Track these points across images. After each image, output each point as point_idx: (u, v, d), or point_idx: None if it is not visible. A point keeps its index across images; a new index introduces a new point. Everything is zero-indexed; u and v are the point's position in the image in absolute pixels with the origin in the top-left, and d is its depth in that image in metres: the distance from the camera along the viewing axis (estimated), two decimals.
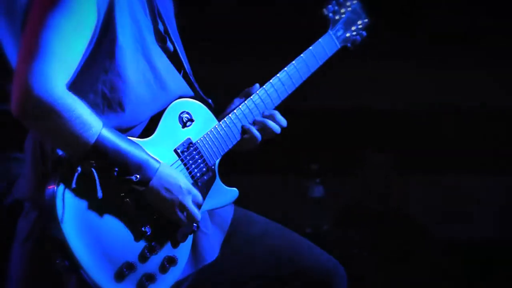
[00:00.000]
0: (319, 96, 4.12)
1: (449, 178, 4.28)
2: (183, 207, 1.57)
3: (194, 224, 1.61)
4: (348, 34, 1.98)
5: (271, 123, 1.77)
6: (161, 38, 1.68)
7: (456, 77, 4.21)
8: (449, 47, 4.17)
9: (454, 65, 4.15)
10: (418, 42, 4.15)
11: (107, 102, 1.57)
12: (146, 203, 1.56)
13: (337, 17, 1.97)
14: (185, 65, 1.71)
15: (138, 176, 1.50)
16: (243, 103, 1.76)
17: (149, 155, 1.51)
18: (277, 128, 1.79)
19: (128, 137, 1.54)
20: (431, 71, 4.14)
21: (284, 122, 1.82)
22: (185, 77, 1.72)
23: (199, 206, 1.61)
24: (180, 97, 1.66)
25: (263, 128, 1.78)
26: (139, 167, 1.52)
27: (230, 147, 1.75)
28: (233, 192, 1.76)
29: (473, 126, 4.34)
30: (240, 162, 3.61)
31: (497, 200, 4.29)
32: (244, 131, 1.76)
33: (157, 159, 1.53)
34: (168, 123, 1.63)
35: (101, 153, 1.47)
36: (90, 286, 1.54)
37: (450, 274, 3.94)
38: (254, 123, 1.77)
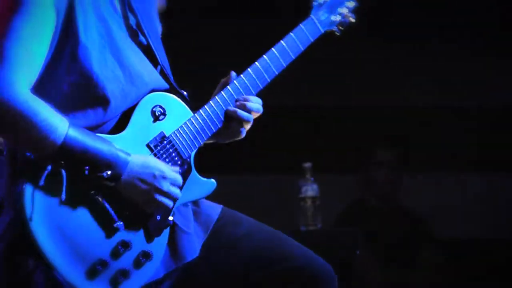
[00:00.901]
0: (329, 94, 4.24)
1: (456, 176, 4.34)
2: (160, 192, 1.58)
3: (169, 219, 1.63)
4: (333, 18, 1.92)
5: (242, 113, 1.77)
6: (133, 33, 1.70)
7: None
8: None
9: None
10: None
11: (74, 103, 1.59)
12: (118, 199, 1.59)
13: (321, 0, 1.93)
14: (159, 58, 1.73)
15: (109, 172, 1.53)
16: (219, 93, 1.77)
17: (118, 149, 1.55)
18: (248, 116, 1.76)
19: (98, 134, 1.58)
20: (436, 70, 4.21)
21: (258, 107, 1.80)
22: (161, 71, 1.75)
23: (180, 187, 1.64)
24: (153, 90, 1.68)
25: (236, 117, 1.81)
26: (109, 163, 1.55)
27: (206, 138, 1.77)
28: (210, 183, 1.76)
29: (480, 124, 4.37)
30: (246, 162, 3.82)
31: (505, 198, 4.31)
32: (230, 116, 1.78)
33: (127, 152, 1.57)
34: (140, 117, 1.67)
35: (69, 153, 1.51)
36: (63, 286, 1.59)
37: (454, 273, 3.98)
38: (226, 112, 1.80)
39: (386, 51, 4.34)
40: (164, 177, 1.62)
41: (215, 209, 1.78)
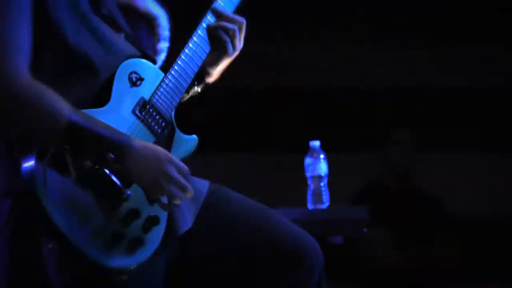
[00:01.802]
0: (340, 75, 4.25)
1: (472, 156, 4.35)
2: (169, 178, 1.60)
3: None
4: None
5: (224, 23, 1.81)
6: (94, 4, 1.71)
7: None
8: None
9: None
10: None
11: (60, 80, 1.62)
12: (123, 171, 1.63)
13: None
14: (122, 25, 1.76)
15: (113, 155, 1.56)
16: (183, 51, 1.81)
17: (120, 133, 1.61)
18: (232, 26, 1.81)
19: (87, 110, 1.63)
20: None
21: (239, 18, 1.84)
22: (127, 37, 1.77)
23: (185, 176, 1.64)
24: (127, 58, 1.73)
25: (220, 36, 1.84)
26: (113, 146, 1.58)
27: (181, 95, 1.82)
28: (193, 139, 1.81)
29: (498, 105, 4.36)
30: (258, 140, 3.89)
31: None
32: (218, 40, 1.82)
33: (129, 135, 1.64)
34: (120, 87, 1.70)
35: (73, 138, 1.54)
36: (83, 262, 1.60)
37: (469, 252, 4.01)
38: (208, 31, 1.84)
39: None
40: (170, 161, 1.67)
41: (203, 184, 1.83)
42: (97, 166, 1.58)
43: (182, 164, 1.64)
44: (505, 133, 4.37)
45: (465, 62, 4.50)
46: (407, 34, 4.51)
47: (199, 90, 1.88)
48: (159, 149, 1.65)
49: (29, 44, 1.55)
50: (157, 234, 1.69)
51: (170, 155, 1.66)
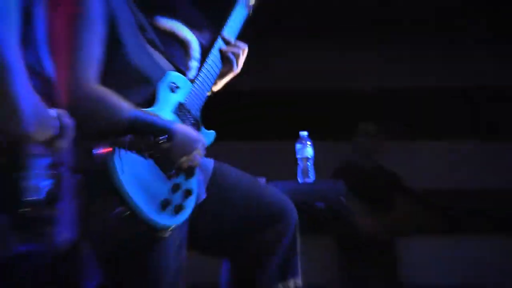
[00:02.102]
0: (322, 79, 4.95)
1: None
2: (199, 150, 1.98)
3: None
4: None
5: (233, 49, 2.21)
6: (143, 30, 2.07)
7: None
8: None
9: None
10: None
11: (124, 89, 1.93)
12: (170, 154, 1.96)
13: None
14: (160, 47, 2.10)
15: (164, 136, 1.91)
16: (205, 62, 2.19)
17: (166, 119, 1.93)
18: (238, 50, 2.21)
19: (145, 110, 1.94)
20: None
21: (243, 45, 2.23)
22: (164, 56, 2.12)
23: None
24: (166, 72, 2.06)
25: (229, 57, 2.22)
26: (164, 130, 1.91)
27: (204, 99, 2.18)
28: (212, 133, 2.17)
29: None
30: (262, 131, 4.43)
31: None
32: (227, 60, 2.20)
33: (172, 121, 1.95)
34: (162, 93, 2.04)
35: (135, 127, 1.88)
36: (142, 223, 1.95)
37: (420, 213, 4.88)
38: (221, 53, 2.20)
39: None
40: (200, 138, 2.02)
41: (210, 162, 2.16)
42: (152, 150, 1.90)
43: (204, 139, 2.01)
44: (453, 123, 5.12)
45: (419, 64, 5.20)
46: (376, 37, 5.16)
47: (208, 95, 2.21)
48: (192, 130, 1.99)
49: (99, 61, 1.87)
50: (191, 202, 2.01)
51: (199, 134, 2.01)
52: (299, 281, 2.42)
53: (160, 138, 1.94)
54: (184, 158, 2.05)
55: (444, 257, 5.40)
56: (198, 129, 2.12)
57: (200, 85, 2.19)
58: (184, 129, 2.02)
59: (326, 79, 4.81)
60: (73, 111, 1.75)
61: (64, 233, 1.91)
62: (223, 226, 2.35)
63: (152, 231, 2.02)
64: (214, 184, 2.26)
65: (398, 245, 4.99)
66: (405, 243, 5.04)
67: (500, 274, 5.09)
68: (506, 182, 5.10)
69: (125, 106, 1.92)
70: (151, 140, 1.94)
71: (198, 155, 2.04)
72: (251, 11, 2.34)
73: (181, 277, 2.25)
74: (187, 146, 2.06)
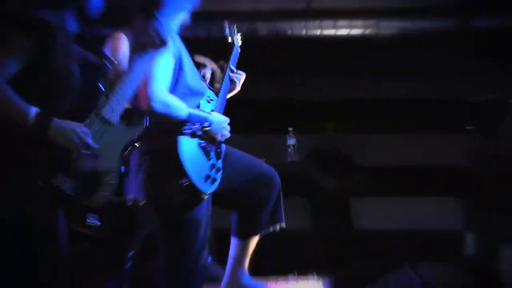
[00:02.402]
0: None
1: None
2: (227, 128, 2.67)
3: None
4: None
5: (237, 76, 2.97)
6: (195, 64, 2.69)
7: None
8: None
9: None
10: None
11: (182, 99, 2.54)
12: (211, 133, 2.58)
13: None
14: (199, 75, 2.73)
15: (207, 122, 2.57)
16: (222, 86, 2.87)
17: (207, 112, 2.58)
18: (239, 77, 2.94)
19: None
20: None
21: (242, 74, 2.96)
22: (203, 79, 2.79)
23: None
24: (205, 90, 2.69)
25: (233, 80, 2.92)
26: (206, 118, 2.56)
27: (224, 106, 2.84)
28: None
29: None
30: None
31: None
32: (233, 82, 2.88)
33: (210, 113, 2.60)
34: (203, 103, 2.68)
35: (190, 119, 2.48)
36: (194, 190, 2.52)
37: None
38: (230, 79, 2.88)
39: None
40: (225, 120, 2.68)
41: (223, 146, 2.79)
42: (201, 132, 2.50)
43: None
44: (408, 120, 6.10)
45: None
46: None
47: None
48: (221, 115, 2.64)
49: (168, 83, 2.43)
50: (219, 176, 2.64)
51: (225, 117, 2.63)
52: (283, 224, 3.11)
53: (204, 124, 2.57)
54: (219, 133, 2.67)
55: (387, 212, 6.52)
56: None
57: (221, 98, 2.87)
58: (217, 115, 2.66)
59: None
60: (151, 111, 2.36)
61: (133, 195, 2.52)
62: (233, 187, 2.83)
63: (198, 195, 2.56)
64: (226, 159, 2.80)
65: (352, 202, 6.29)
66: (357, 201, 6.42)
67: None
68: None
69: (184, 107, 2.51)
70: (199, 126, 2.54)
71: (226, 130, 2.69)
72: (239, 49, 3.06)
73: (208, 224, 2.80)
74: (220, 124, 2.69)
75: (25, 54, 2.17)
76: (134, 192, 2.83)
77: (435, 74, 5.64)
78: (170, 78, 2.60)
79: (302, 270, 4.47)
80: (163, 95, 2.57)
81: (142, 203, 2.87)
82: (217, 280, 3.42)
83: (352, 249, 5.73)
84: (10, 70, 2.18)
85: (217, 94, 2.94)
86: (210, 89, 2.82)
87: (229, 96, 3.02)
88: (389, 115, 6.27)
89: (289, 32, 5.41)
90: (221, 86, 2.96)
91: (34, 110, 2.17)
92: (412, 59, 5.84)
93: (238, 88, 3.02)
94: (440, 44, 5.30)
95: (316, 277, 4.61)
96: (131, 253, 3.46)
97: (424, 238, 5.87)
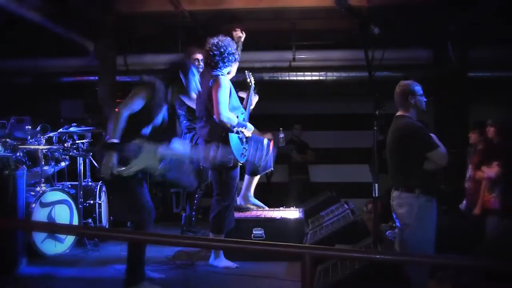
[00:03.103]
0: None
1: None
2: (252, 131, 5.26)
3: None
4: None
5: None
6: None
7: None
8: None
9: None
10: None
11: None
12: (245, 132, 5.13)
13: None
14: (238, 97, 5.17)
15: (244, 127, 5.12)
16: (247, 105, 5.45)
17: (245, 123, 5.12)
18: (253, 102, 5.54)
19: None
20: None
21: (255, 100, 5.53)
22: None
23: None
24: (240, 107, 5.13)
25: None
26: (245, 125, 5.06)
27: (249, 117, 5.27)
28: (251, 127, 5.33)
29: None
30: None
31: None
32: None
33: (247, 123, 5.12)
34: (239, 116, 5.12)
35: (238, 125, 5.03)
36: (235, 160, 5.11)
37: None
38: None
39: None
40: (252, 128, 5.23)
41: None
42: (241, 131, 5.12)
43: None
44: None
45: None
46: None
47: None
48: (251, 125, 5.19)
49: (228, 106, 4.97)
50: (247, 154, 5.33)
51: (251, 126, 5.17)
52: (272, 169, 5.74)
53: (243, 128, 5.07)
54: (248, 132, 5.11)
55: (329, 172, 11.13)
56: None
57: (247, 111, 5.29)
58: (248, 123, 5.16)
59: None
60: (220, 121, 4.90)
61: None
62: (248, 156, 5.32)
63: (237, 163, 5.09)
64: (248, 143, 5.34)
65: (309, 167, 10.60)
66: (311, 166, 10.75)
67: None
68: None
69: (235, 119, 4.90)
70: (241, 128, 5.08)
71: (250, 131, 5.12)
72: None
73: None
74: (251, 129, 5.17)
75: (145, 100, 4.12)
76: (202, 162, 5.24)
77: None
78: (228, 101, 4.81)
79: (286, 204, 6.95)
80: (226, 112, 4.77)
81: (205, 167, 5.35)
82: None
83: (310, 192, 9.52)
84: (135, 108, 4.16)
85: (245, 108, 5.24)
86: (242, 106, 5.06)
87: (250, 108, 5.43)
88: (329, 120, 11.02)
89: (279, 78, 9.99)
90: (246, 104, 5.28)
91: (116, 140, 4.11)
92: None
93: (253, 105, 5.40)
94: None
95: (294, 207, 6.73)
96: (199, 194, 6.64)
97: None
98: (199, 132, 5.30)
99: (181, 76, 4.38)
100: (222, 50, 5.08)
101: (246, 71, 5.60)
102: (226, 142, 5.04)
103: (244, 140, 5.28)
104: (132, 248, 4.26)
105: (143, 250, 4.33)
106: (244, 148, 5.25)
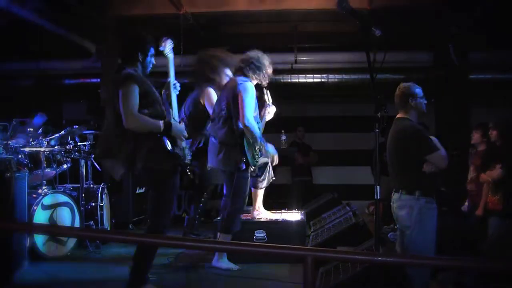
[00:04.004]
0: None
1: None
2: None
3: None
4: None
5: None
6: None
7: None
8: None
9: None
10: None
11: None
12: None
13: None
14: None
15: (265, 146, 5.57)
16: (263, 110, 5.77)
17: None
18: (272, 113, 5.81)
19: None
20: None
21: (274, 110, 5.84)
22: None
23: None
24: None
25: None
26: (258, 133, 5.25)
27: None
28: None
29: None
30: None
31: None
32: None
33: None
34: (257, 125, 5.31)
35: (261, 140, 5.23)
36: (247, 163, 5.26)
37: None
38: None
39: None
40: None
41: None
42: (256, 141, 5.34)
43: None
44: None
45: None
46: None
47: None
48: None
49: (253, 112, 5.21)
50: (260, 159, 5.49)
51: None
52: (274, 178, 5.92)
53: (262, 146, 5.42)
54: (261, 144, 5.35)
55: (330, 174, 11.24)
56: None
57: (263, 121, 5.66)
58: (270, 149, 5.57)
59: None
60: (245, 126, 5.03)
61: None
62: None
63: (248, 166, 5.22)
64: None
65: (312, 169, 10.57)
66: (314, 168, 10.74)
67: None
68: None
69: (257, 129, 5.14)
70: (261, 144, 5.40)
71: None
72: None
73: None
74: (265, 155, 5.53)
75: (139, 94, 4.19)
76: (212, 163, 5.39)
77: None
78: (253, 108, 5.01)
79: (288, 207, 7.20)
80: (252, 118, 4.98)
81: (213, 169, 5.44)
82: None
83: (313, 194, 9.44)
84: (136, 101, 4.20)
85: (261, 118, 5.53)
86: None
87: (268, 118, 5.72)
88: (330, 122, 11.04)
89: (281, 80, 9.98)
90: (262, 117, 5.56)
91: (161, 123, 4.19)
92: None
93: (272, 115, 5.72)
94: None
95: (296, 210, 6.95)
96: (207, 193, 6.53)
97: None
98: (215, 133, 5.40)
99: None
100: (259, 64, 5.43)
101: (264, 89, 5.76)
102: (242, 145, 5.20)
103: (258, 148, 5.44)
104: (142, 251, 4.26)
105: (153, 253, 4.35)
106: (257, 154, 5.39)
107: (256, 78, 5.43)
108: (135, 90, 4.14)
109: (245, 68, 5.41)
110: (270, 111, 5.83)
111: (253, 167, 5.29)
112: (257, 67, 5.41)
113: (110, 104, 4.28)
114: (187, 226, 6.94)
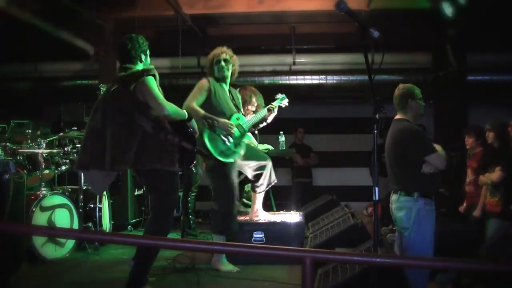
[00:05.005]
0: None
1: None
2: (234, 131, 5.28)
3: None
4: None
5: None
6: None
7: None
8: None
9: None
10: None
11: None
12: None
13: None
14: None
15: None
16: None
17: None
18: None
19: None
20: None
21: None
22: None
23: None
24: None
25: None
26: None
27: (249, 126, 5.66)
28: (249, 136, 5.90)
29: None
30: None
31: None
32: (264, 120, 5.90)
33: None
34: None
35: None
36: (214, 160, 5.20)
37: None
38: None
39: None
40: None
41: None
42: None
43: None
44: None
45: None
46: None
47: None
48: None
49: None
50: (235, 156, 5.38)
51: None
52: (275, 181, 5.78)
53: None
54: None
55: (330, 176, 11.28)
56: (244, 134, 5.39)
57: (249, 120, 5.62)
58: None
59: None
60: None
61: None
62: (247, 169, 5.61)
63: (222, 166, 5.16)
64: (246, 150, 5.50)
65: (312, 170, 10.61)
66: (314, 169, 10.82)
67: None
68: None
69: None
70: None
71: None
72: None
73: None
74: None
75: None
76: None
77: None
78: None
79: (288, 208, 7.15)
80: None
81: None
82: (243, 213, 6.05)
83: (313, 196, 9.23)
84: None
85: (257, 126, 5.89)
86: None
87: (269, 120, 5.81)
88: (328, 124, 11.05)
89: (280, 82, 10.03)
90: (258, 123, 5.78)
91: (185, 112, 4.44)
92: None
93: (271, 120, 5.84)
94: None
95: (295, 211, 6.86)
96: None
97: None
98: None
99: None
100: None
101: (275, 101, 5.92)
102: (203, 142, 5.23)
103: (229, 141, 5.29)
104: (144, 252, 4.24)
105: (155, 254, 4.33)
106: (229, 149, 5.26)
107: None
108: (155, 81, 4.20)
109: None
110: (271, 117, 5.89)
111: (227, 158, 5.22)
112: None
113: (112, 107, 4.22)
114: (183, 227, 7.00)
